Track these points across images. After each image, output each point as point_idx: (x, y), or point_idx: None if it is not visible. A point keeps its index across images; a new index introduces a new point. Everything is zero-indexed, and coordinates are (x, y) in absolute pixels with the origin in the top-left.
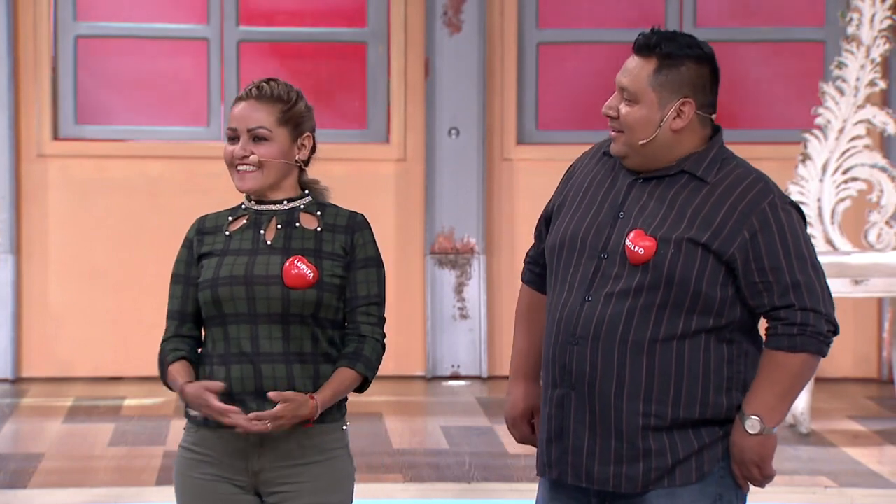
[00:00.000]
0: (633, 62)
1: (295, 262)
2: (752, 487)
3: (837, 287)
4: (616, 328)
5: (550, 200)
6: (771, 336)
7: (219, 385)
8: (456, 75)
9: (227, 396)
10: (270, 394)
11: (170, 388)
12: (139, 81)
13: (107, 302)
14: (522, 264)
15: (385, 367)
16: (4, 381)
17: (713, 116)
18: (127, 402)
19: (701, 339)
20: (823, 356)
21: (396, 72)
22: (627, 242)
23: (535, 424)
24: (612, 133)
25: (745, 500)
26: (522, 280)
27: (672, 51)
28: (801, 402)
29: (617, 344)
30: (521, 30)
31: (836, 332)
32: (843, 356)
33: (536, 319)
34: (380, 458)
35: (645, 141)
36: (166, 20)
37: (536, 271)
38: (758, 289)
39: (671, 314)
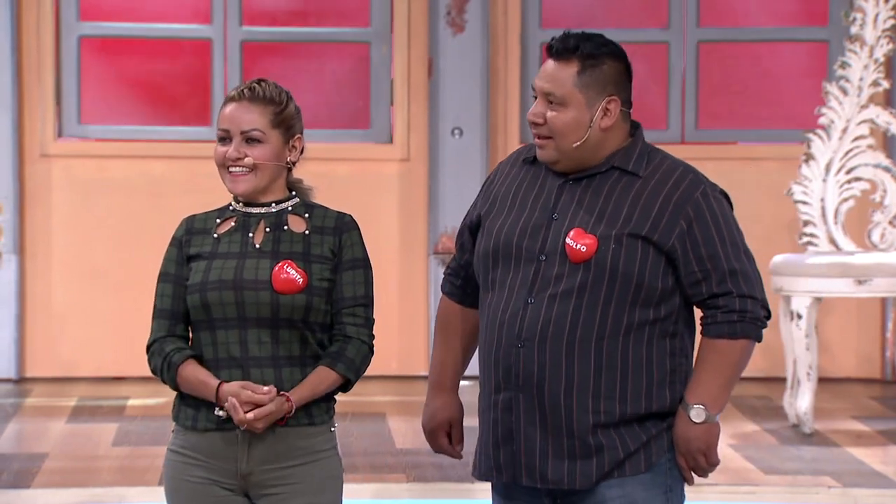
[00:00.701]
0: (553, 66)
1: (284, 266)
2: (756, 490)
3: (841, 287)
4: (563, 328)
5: (472, 211)
6: (710, 324)
7: (264, 390)
8: (459, 75)
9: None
10: (253, 413)
11: (176, 388)
12: (142, 82)
13: (110, 302)
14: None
15: (388, 367)
16: (8, 381)
17: (631, 111)
18: (130, 402)
19: (644, 333)
20: (759, 341)
21: (400, 72)
22: (568, 241)
23: (451, 435)
24: (539, 140)
25: (684, 495)
26: (442, 291)
27: (592, 50)
28: (805, 402)
29: (564, 343)
30: (525, 30)
31: (769, 316)
32: (847, 356)
33: (456, 331)
34: (383, 457)
35: (578, 143)
36: (170, 20)
37: (457, 283)
38: (696, 277)
39: (616, 310)
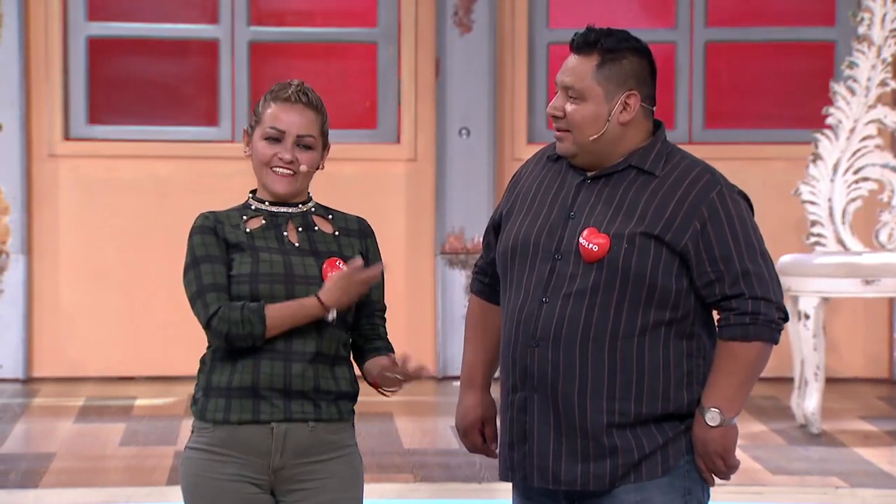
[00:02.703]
0: (574, 60)
1: (336, 262)
2: (764, 491)
3: (848, 287)
4: (576, 328)
5: (497, 209)
6: (724, 327)
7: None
8: (466, 75)
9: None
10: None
11: (262, 334)
12: (150, 82)
13: (118, 302)
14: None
15: None
16: (16, 380)
17: (654, 109)
18: (138, 402)
19: (660, 333)
20: (775, 343)
21: (407, 72)
22: (581, 240)
23: (486, 434)
24: (558, 133)
25: (709, 495)
26: (471, 291)
27: (613, 45)
28: (812, 403)
29: (578, 343)
30: (532, 30)
31: (786, 318)
32: (854, 356)
33: (486, 329)
34: (390, 457)
35: (595, 137)
36: (177, 21)
37: (485, 281)
38: (709, 278)
39: (629, 310)
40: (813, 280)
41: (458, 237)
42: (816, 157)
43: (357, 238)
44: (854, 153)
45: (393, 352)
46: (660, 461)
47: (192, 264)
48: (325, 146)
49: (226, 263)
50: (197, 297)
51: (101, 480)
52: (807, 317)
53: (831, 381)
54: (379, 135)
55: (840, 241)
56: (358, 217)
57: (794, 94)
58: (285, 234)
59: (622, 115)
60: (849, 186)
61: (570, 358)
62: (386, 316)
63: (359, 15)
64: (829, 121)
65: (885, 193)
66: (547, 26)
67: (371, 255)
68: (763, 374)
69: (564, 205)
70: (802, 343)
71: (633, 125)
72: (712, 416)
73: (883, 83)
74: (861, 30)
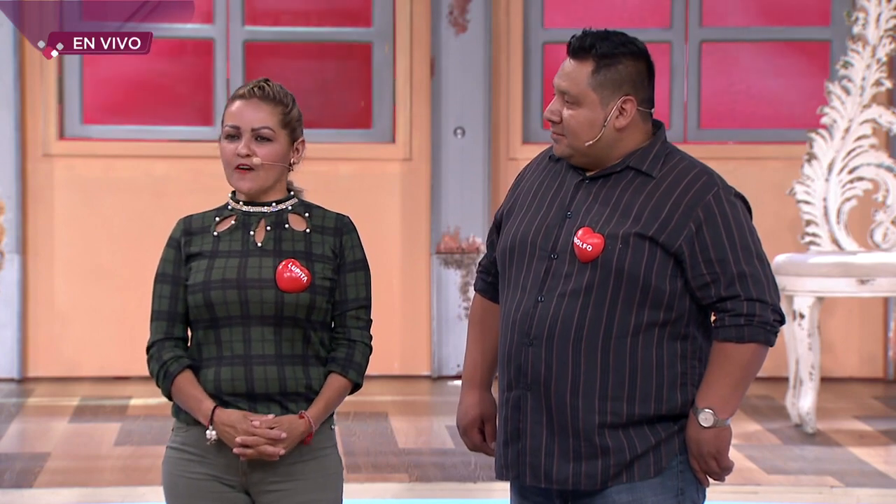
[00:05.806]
0: (570, 65)
1: (289, 265)
2: (759, 490)
3: (843, 287)
4: (570, 327)
5: (499, 208)
6: (719, 328)
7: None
8: (461, 75)
9: (217, 397)
10: (256, 423)
11: (169, 398)
12: (145, 81)
13: (113, 301)
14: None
15: (390, 367)
16: (10, 380)
17: (652, 111)
18: (133, 402)
19: (653, 334)
20: (771, 345)
21: (402, 71)
22: (576, 240)
23: (485, 432)
24: (554, 135)
25: (704, 495)
26: (475, 289)
27: (608, 50)
28: (807, 402)
29: (571, 343)
30: (527, 29)
31: (782, 321)
32: (849, 356)
33: (488, 328)
34: (385, 457)
35: (591, 142)
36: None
37: (488, 280)
38: (704, 280)
39: (623, 310)
40: (808, 280)
41: (453, 237)
42: (811, 157)
43: (331, 236)
44: (849, 153)
45: (351, 369)
46: (652, 462)
47: (155, 279)
48: (295, 139)
49: (179, 282)
50: (151, 319)
51: (95, 480)
52: (802, 316)
53: (826, 381)
54: (374, 134)
55: (835, 241)
56: (339, 214)
57: (788, 94)
58: (252, 233)
59: (618, 120)
60: (843, 186)
61: (563, 357)
62: (364, 314)
63: (354, 14)
64: (824, 120)
65: (879, 193)
66: (542, 26)
67: (347, 252)
68: (758, 374)
69: (562, 204)
70: (797, 343)
71: (630, 129)
72: (706, 417)
73: (878, 83)
74: (856, 29)
